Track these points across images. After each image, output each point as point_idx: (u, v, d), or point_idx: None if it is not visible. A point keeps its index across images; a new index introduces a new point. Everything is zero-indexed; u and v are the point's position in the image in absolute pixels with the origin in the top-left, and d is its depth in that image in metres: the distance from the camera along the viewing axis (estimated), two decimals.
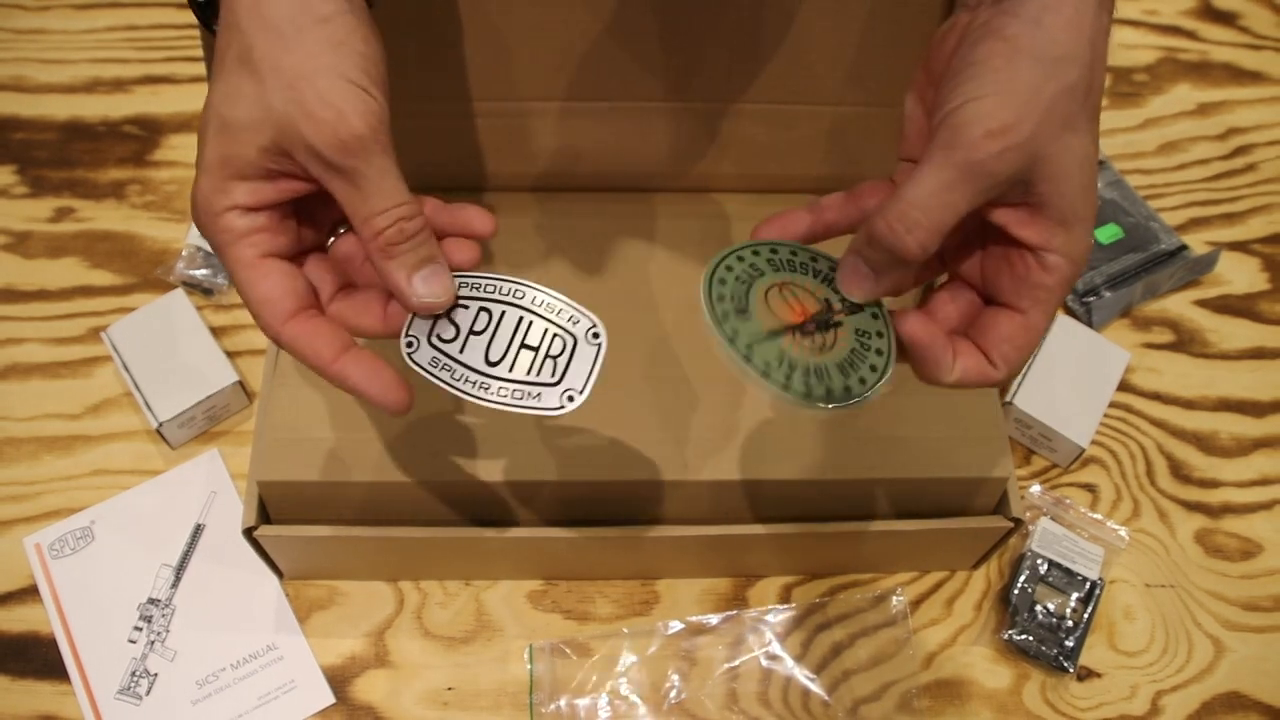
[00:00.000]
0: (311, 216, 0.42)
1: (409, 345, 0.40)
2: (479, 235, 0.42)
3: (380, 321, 0.42)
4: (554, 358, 0.41)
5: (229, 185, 0.39)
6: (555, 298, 0.42)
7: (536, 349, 0.41)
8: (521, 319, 0.41)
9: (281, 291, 0.39)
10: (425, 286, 0.40)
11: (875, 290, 0.40)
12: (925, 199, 0.37)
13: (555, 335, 0.41)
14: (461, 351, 0.41)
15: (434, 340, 0.41)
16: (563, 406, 0.40)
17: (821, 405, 0.38)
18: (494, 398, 0.40)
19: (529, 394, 0.40)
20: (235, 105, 0.38)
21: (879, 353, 0.40)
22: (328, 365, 0.39)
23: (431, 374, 0.40)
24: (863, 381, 0.39)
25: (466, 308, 0.41)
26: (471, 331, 0.41)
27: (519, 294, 0.42)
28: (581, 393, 0.40)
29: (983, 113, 0.36)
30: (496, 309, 0.41)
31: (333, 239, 0.43)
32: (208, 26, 0.43)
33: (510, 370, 0.41)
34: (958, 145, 0.36)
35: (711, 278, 0.40)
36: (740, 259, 0.41)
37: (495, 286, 0.42)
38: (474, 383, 0.40)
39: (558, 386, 0.40)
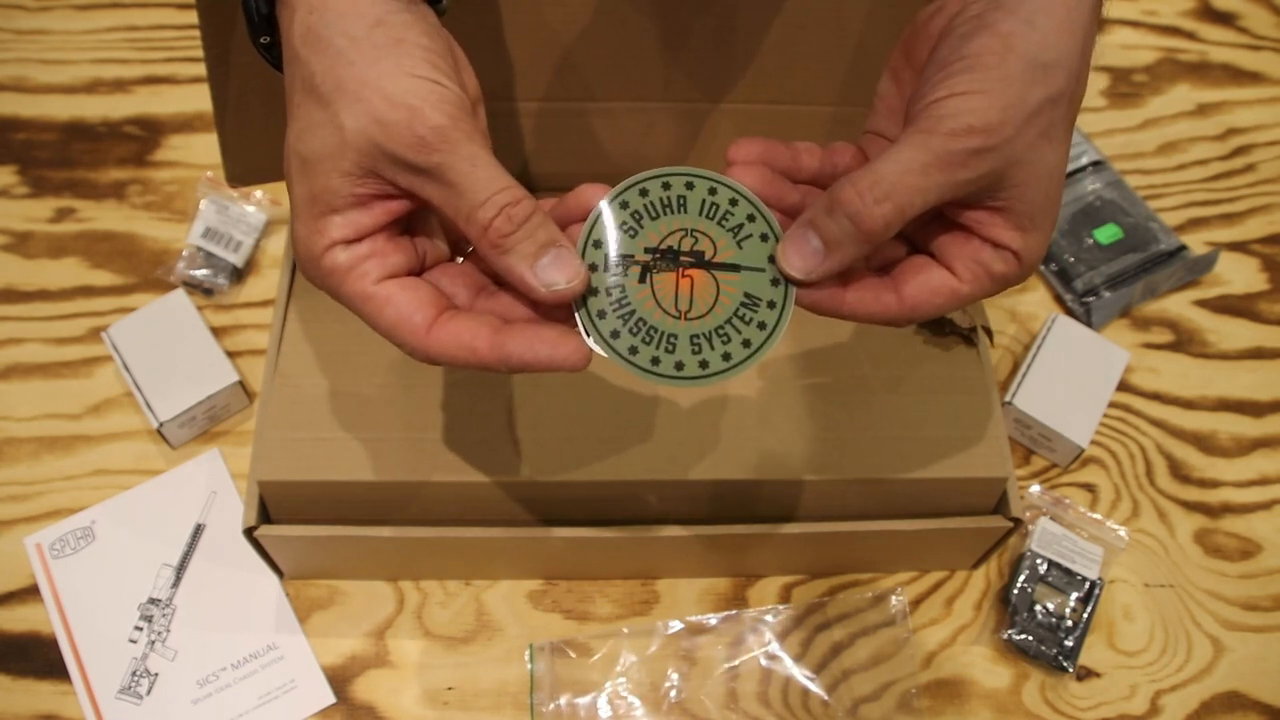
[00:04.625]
0: (428, 229, 0.40)
1: (587, 335, 0.38)
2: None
3: (535, 315, 0.39)
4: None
5: (322, 224, 0.36)
6: None
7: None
8: None
9: (410, 307, 0.36)
10: (549, 274, 0.36)
11: (819, 267, 0.37)
12: (899, 176, 0.35)
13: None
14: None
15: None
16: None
17: (652, 375, 0.37)
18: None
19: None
20: (311, 139, 0.36)
21: (761, 325, 0.38)
22: (485, 357, 0.36)
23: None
24: (727, 357, 0.38)
25: None
26: None
27: None
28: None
29: (968, 108, 0.35)
30: None
31: (466, 253, 0.41)
32: (280, 69, 0.41)
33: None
34: (937, 132, 0.35)
35: (625, 190, 0.39)
36: (667, 185, 0.40)
37: None
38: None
39: None
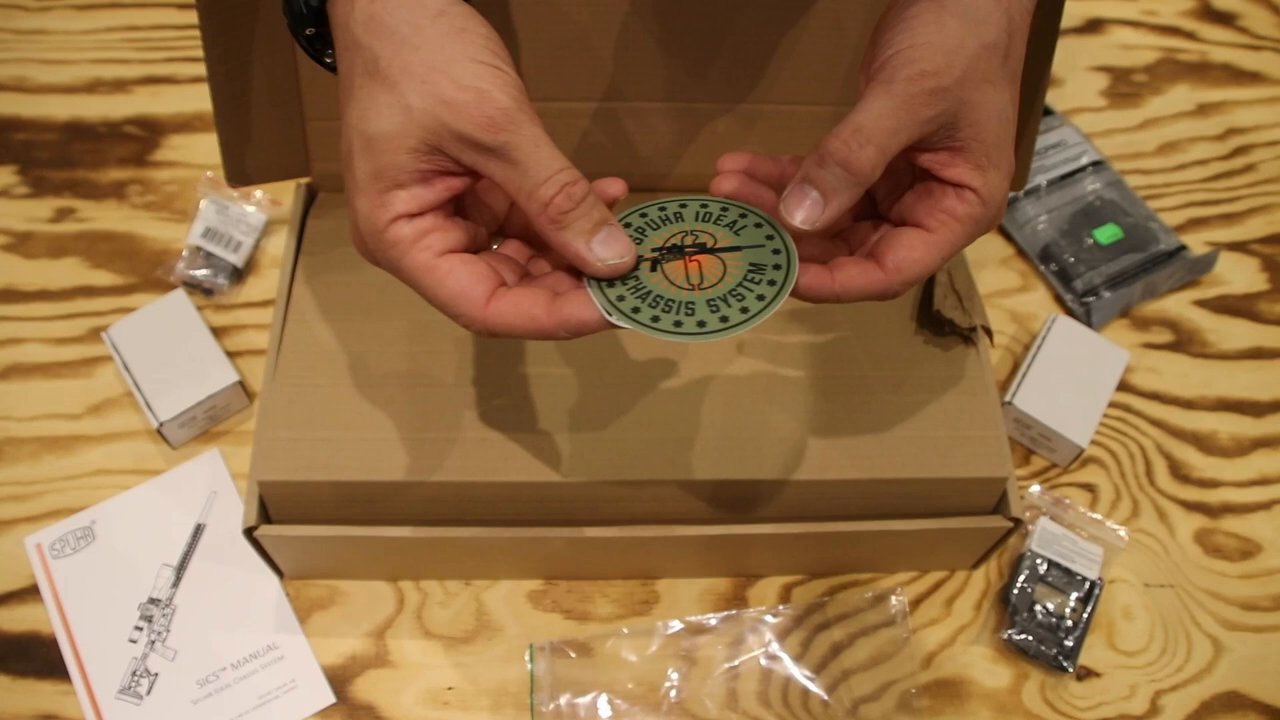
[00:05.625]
0: (474, 218, 0.42)
1: (609, 314, 0.40)
2: (615, 199, 0.43)
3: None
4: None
5: (387, 197, 0.38)
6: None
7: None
8: None
9: (471, 279, 0.39)
10: (606, 249, 0.40)
11: (821, 215, 0.40)
12: (874, 121, 0.39)
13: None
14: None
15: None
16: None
17: (666, 334, 0.39)
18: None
19: None
20: (375, 119, 0.38)
21: (771, 283, 0.41)
22: (544, 323, 0.39)
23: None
24: (745, 310, 0.40)
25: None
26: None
27: None
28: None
29: (916, 56, 0.39)
30: None
31: (495, 245, 0.43)
32: (320, 60, 0.44)
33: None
34: (897, 80, 0.39)
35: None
36: (663, 208, 0.44)
37: None
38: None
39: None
